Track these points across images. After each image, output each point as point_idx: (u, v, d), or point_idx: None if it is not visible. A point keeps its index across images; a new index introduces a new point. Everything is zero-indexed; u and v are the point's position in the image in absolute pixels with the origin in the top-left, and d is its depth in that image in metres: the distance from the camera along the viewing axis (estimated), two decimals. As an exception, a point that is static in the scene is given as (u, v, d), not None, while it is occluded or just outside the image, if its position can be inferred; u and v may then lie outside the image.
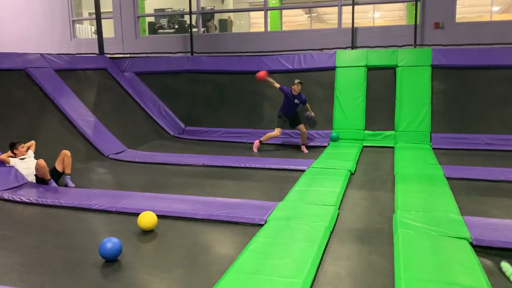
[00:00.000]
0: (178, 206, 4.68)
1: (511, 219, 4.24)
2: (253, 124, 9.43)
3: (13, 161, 5.73)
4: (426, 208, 4.46)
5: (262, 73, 7.98)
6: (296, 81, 7.94)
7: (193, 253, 3.70)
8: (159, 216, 4.25)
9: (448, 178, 5.67)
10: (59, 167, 5.76)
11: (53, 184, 5.62)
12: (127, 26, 11.93)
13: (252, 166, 6.71)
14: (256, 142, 8.09)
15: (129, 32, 11.93)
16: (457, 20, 9.77)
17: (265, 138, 8.08)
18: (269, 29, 11.27)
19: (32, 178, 5.71)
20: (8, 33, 13.11)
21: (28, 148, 5.96)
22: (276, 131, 8.04)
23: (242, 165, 6.74)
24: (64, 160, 5.74)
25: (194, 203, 4.81)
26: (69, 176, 5.74)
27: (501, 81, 8.46)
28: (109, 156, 7.37)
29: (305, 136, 8.14)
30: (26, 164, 5.76)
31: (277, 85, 8.04)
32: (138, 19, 11.93)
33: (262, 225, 4.13)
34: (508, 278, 3.10)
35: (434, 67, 8.72)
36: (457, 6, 9.54)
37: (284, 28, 11.71)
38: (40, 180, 5.65)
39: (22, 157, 5.80)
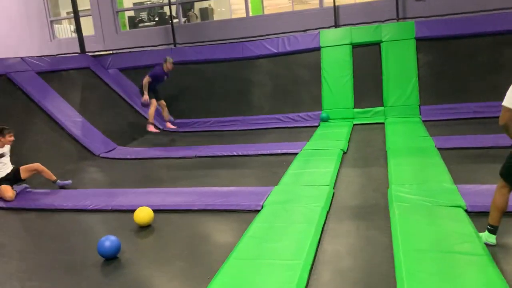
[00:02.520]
0: (173, 199, 4.67)
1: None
2: (242, 111, 9.39)
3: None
4: (420, 180, 4.49)
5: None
6: (170, 59, 8.34)
7: (192, 244, 3.70)
8: (155, 211, 4.23)
9: (439, 149, 5.72)
10: (24, 175, 5.40)
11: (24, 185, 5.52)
12: (106, 22, 11.73)
13: (244, 153, 6.69)
14: (150, 126, 8.38)
15: (109, 28, 11.74)
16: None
17: (151, 117, 8.38)
18: (250, 14, 11.16)
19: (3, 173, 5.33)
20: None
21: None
22: (152, 105, 8.33)
23: (234, 153, 6.72)
24: (42, 174, 5.52)
25: (189, 194, 4.80)
26: (57, 180, 5.56)
27: (484, 48, 8.46)
28: (100, 155, 7.29)
29: (167, 110, 8.78)
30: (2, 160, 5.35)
31: (147, 79, 8.13)
32: (117, 14, 11.75)
33: (258, 210, 4.14)
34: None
35: (418, 40, 8.70)
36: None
37: (265, 12, 11.55)
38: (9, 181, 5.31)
39: (1, 151, 5.33)
